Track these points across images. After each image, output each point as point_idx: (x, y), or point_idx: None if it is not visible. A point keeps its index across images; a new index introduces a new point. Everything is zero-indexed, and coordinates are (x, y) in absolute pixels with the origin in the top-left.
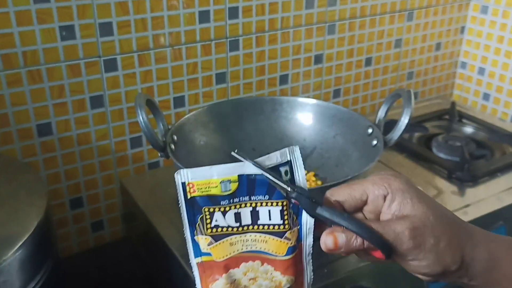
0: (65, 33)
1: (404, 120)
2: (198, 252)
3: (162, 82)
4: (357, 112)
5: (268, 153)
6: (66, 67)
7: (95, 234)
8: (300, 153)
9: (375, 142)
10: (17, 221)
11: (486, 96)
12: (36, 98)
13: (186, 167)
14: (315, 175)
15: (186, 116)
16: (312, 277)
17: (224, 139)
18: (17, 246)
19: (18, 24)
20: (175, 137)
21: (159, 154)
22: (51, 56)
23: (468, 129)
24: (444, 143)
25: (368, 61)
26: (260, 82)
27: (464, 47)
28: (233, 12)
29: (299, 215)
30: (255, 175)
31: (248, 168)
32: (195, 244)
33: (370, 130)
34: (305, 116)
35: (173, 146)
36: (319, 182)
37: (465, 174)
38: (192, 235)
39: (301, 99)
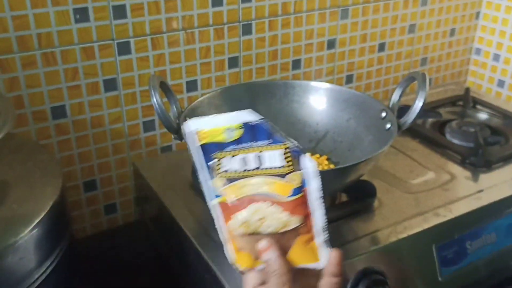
0: (79, 15)
1: (418, 103)
2: (213, 195)
3: (175, 66)
4: None
5: None
6: (80, 50)
7: (108, 217)
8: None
9: (388, 125)
10: (33, 200)
11: (500, 83)
12: (51, 80)
13: None
14: (327, 159)
15: (199, 99)
16: (326, 222)
17: None
18: (33, 224)
19: (32, 6)
20: (188, 119)
21: (173, 136)
22: (65, 38)
23: (483, 115)
24: (457, 128)
25: (382, 47)
26: (273, 66)
27: (478, 33)
28: None
29: (300, 160)
30: (256, 122)
31: (249, 116)
32: (210, 188)
33: (383, 114)
34: (318, 100)
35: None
36: (331, 166)
37: (479, 160)
38: (207, 179)
39: (314, 83)
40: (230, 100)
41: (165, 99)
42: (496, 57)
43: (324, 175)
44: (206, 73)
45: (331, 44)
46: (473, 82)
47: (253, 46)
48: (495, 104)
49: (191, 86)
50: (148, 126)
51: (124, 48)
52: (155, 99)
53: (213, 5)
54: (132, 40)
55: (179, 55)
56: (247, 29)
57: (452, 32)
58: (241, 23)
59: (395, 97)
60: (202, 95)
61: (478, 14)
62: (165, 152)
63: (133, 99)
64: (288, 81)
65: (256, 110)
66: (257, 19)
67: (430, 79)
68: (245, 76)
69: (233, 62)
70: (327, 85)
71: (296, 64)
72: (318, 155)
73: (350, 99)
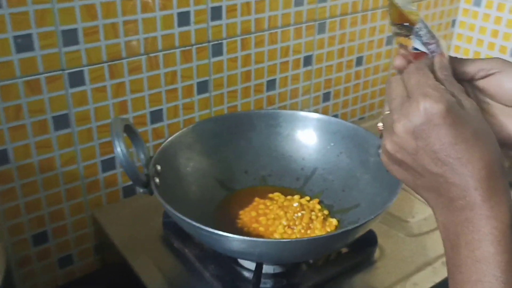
0: (20, 41)
1: None
2: None
3: (136, 95)
4: (348, 115)
5: (263, 176)
6: (23, 84)
7: (64, 270)
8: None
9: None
10: None
11: None
12: None
13: (173, 203)
14: (319, 202)
15: (169, 140)
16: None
17: (213, 161)
18: None
19: None
20: (159, 167)
21: (141, 191)
22: (5, 71)
23: None
24: None
25: (359, 61)
26: (246, 89)
27: (455, 41)
28: (216, 13)
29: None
30: None
31: None
32: None
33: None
34: (304, 132)
35: (157, 180)
36: (325, 211)
37: None
38: None
39: (300, 113)
40: (205, 136)
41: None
42: (476, 56)
43: (329, 240)
44: (173, 101)
45: (307, 61)
46: None
47: (224, 68)
48: None
49: (156, 116)
50: (107, 165)
51: (76, 79)
52: (119, 149)
53: (180, 25)
54: (86, 69)
55: (141, 82)
56: (217, 50)
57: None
58: (211, 43)
59: None
60: (168, 126)
61: (454, 22)
62: (128, 192)
63: (89, 136)
64: (270, 111)
65: (234, 145)
66: (228, 38)
67: None
68: (216, 102)
69: (203, 86)
70: (314, 115)
71: (271, 84)
72: (308, 198)
73: (340, 131)
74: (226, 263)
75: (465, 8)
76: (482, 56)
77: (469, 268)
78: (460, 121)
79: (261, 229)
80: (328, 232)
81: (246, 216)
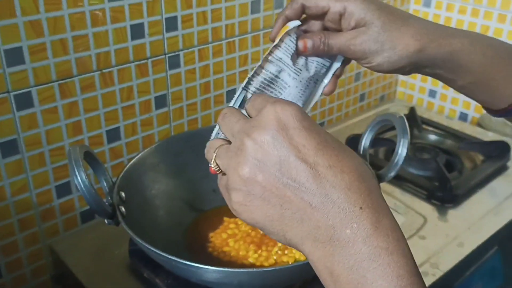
0: None
1: (401, 153)
2: None
3: (90, 114)
4: None
5: None
6: None
7: None
8: None
9: None
10: None
11: (432, 93)
12: None
13: (141, 233)
14: None
15: (131, 162)
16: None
17: (179, 182)
18: None
19: None
20: (123, 194)
21: (106, 222)
22: None
23: (432, 136)
24: (413, 156)
25: None
26: (206, 101)
27: None
28: (171, 23)
29: None
30: None
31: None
32: None
33: None
34: None
35: (123, 209)
36: None
37: (446, 195)
38: None
39: None
40: (168, 156)
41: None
42: None
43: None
44: (130, 117)
45: None
46: (403, 92)
47: (182, 81)
48: (443, 124)
49: (113, 135)
50: (63, 190)
51: (24, 101)
52: (79, 179)
53: (133, 38)
54: (34, 90)
55: (95, 100)
56: (174, 62)
57: None
58: (167, 55)
59: (365, 142)
60: (126, 144)
61: None
62: (86, 217)
63: (41, 161)
64: None
65: (200, 163)
66: (185, 49)
67: (363, 94)
68: (175, 116)
69: (161, 101)
70: None
71: (231, 95)
72: None
73: None
74: None
75: (415, 9)
76: None
77: None
78: (317, 127)
79: (233, 253)
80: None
81: (217, 238)
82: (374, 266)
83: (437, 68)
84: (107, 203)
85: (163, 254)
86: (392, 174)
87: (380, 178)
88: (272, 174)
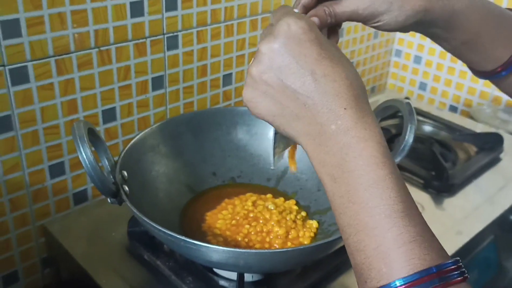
0: None
1: (408, 139)
2: None
3: (87, 92)
4: None
5: (232, 177)
6: None
7: None
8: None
9: None
10: None
11: (422, 86)
12: None
13: (143, 213)
14: (296, 203)
15: (132, 142)
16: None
17: (179, 165)
18: None
19: None
20: (125, 173)
21: (110, 201)
22: None
23: (426, 128)
24: None
25: None
26: (202, 84)
27: (398, 34)
28: (171, 3)
29: None
30: None
31: None
32: None
33: None
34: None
35: (126, 188)
36: (303, 213)
37: (443, 185)
38: None
39: None
40: (168, 137)
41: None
42: (418, 59)
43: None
44: (126, 98)
45: None
46: (394, 84)
47: (180, 62)
48: (435, 115)
49: (109, 115)
50: (56, 170)
51: (19, 76)
52: (84, 155)
53: (133, 16)
54: (30, 64)
55: (92, 79)
56: (172, 43)
57: (376, 35)
58: (166, 36)
59: None
60: (121, 125)
61: None
62: (79, 199)
63: (35, 139)
64: (236, 108)
65: (199, 146)
66: (184, 30)
67: None
68: (171, 98)
69: (158, 82)
70: None
71: (227, 79)
72: (282, 199)
73: None
74: (203, 273)
75: None
76: (425, 49)
77: (361, 195)
78: (322, 40)
79: (228, 233)
80: (310, 235)
81: (212, 218)
82: (353, 150)
83: (436, 27)
84: (111, 182)
85: (173, 234)
86: (397, 160)
87: None
88: (275, 75)
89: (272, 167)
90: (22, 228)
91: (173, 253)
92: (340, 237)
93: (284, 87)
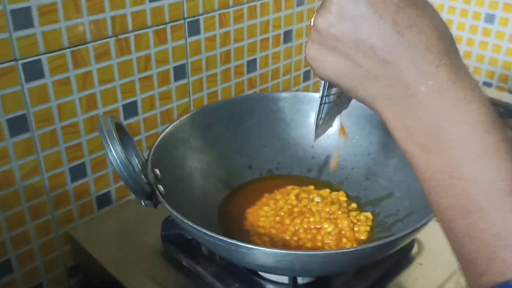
0: None
1: None
2: None
3: (106, 86)
4: None
5: (269, 169)
6: None
7: None
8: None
9: None
10: None
11: None
12: None
13: (182, 213)
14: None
15: (161, 137)
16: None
17: (212, 158)
18: None
19: None
20: (158, 172)
21: (144, 203)
22: None
23: None
24: None
25: None
26: (226, 72)
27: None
28: None
29: None
30: None
31: None
32: None
33: None
34: (309, 115)
35: (162, 188)
36: (353, 205)
37: None
38: None
39: (301, 94)
40: (199, 129)
41: None
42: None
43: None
44: (148, 90)
45: (287, 37)
46: None
47: (202, 49)
48: None
49: (130, 109)
50: (77, 172)
51: (33, 70)
52: (115, 153)
53: (151, 0)
54: (44, 57)
55: (110, 70)
56: (194, 27)
57: None
58: (186, 20)
59: None
60: (144, 120)
61: None
62: (103, 203)
63: (53, 140)
64: (268, 94)
65: (233, 136)
66: (205, 13)
67: None
68: (194, 88)
69: (180, 71)
70: (312, 95)
71: (252, 65)
72: (328, 190)
73: (353, 110)
74: (248, 277)
75: None
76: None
77: (469, 169)
78: None
79: (273, 231)
80: (365, 229)
81: (254, 216)
82: (451, 115)
83: None
84: (145, 182)
85: (224, 238)
86: None
87: None
88: (347, 28)
89: (314, 141)
90: (45, 237)
91: (214, 257)
92: (411, 232)
93: (358, 42)
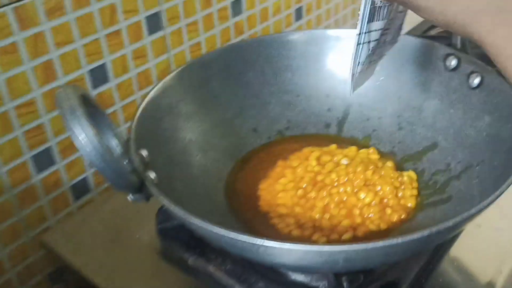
0: None
1: None
2: None
3: (64, 49)
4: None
5: (279, 130)
6: None
7: None
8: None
9: (477, 80)
10: None
11: None
12: None
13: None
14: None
15: (142, 106)
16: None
17: (208, 126)
18: None
19: None
20: (145, 153)
21: (131, 198)
22: None
23: None
24: None
25: None
26: (208, 18)
27: None
28: None
29: None
30: None
31: None
32: None
33: (453, 62)
34: (319, 59)
35: (154, 174)
36: (389, 164)
37: None
38: None
39: (307, 33)
40: (188, 90)
41: None
42: None
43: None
44: (117, 49)
45: None
46: None
47: None
48: None
49: (98, 75)
50: (42, 160)
51: None
52: (85, 137)
53: None
54: None
55: (67, 29)
56: None
57: None
58: None
59: None
60: (117, 87)
61: None
62: (80, 192)
63: (6, 125)
64: (266, 37)
65: (231, 95)
66: None
67: None
68: (173, 41)
69: (154, 22)
70: (327, 32)
71: (237, 6)
72: (354, 148)
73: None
74: (275, 272)
75: None
76: None
77: None
78: None
79: (298, 209)
80: (412, 194)
81: (269, 192)
82: None
83: None
84: (129, 171)
85: (246, 238)
86: None
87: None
88: None
89: (350, 94)
90: (13, 244)
91: (225, 252)
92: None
93: None
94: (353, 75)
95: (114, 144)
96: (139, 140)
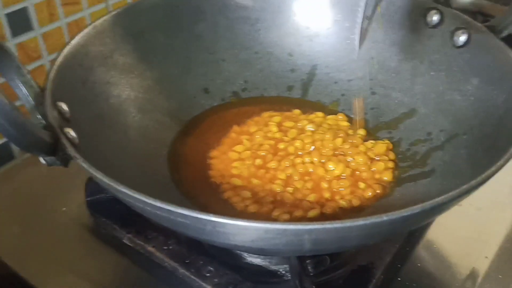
0: None
1: None
2: None
3: None
4: None
5: (235, 92)
6: None
7: None
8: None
9: (463, 37)
10: None
11: None
12: None
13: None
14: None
15: (66, 51)
16: None
17: (150, 82)
18: None
19: None
20: (65, 107)
21: (44, 161)
22: None
23: None
24: None
25: None
26: None
27: None
28: None
29: None
30: None
31: None
32: None
33: (435, 18)
34: (282, 11)
35: (73, 133)
36: (361, 132)
37: None
38: None
39: None
40: (127, 39)
41: None
42: None
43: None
44: None
45: None
46: None
47: None
48: None
49: (18, 22)
50: None
51: None
52: None
53: None
54: None
55: None
56: None
57: None
58: None
59: None
60: (43, 36)
61: None
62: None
63: None
64: None
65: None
66: None
67: None
68: None
69: None
70: None
71: None
72: (320, 114)
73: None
74: (228, 254)
75: None
76: None
77: None
78: None
79: (255, 181)
80: (387, 166)
81: (222, 161)
82: None
83: None
84: (39, 127)
85: (190, 213)
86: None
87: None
88: None
89: (358, 48)
90: None
91: (166, 229)
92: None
93: None
94: (361, 30)
95: (26, 92)
96: (59, 92)
